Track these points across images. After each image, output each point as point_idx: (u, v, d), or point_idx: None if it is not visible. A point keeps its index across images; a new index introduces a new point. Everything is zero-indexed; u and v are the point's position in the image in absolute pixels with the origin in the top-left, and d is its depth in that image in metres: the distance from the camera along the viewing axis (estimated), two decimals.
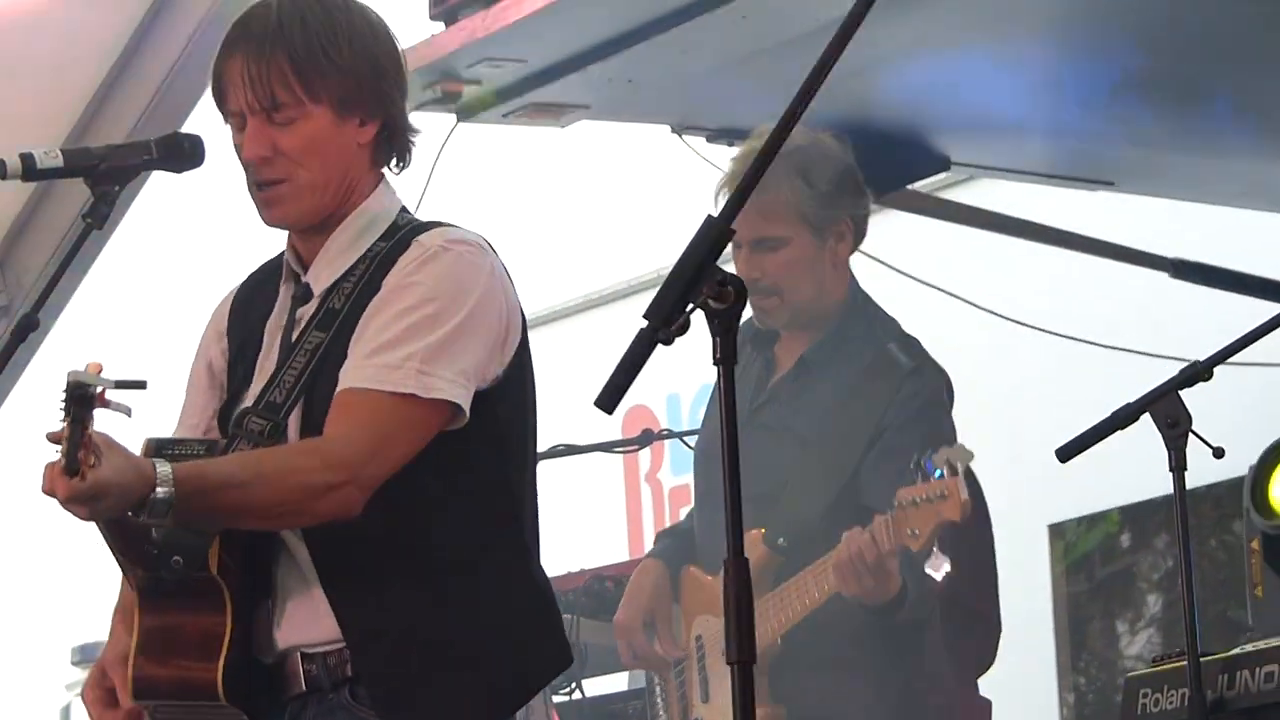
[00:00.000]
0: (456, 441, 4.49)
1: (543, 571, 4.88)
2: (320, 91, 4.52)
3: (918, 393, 7.11)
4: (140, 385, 4.02)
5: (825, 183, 6.56)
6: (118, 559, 4.40)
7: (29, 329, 5.24)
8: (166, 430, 4.74)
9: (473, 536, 4.64)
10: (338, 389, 4.47)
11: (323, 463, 4.40)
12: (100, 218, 4.69)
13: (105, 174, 4.82)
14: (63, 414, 3.84)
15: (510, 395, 4.65)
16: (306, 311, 4.64)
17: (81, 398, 3.77)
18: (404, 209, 5.02)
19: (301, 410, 4.58)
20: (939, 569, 6.41)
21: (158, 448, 4.39)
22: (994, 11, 7.32)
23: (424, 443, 4.48)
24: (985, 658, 7.41)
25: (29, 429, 7.63)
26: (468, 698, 4.56)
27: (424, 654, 4.59)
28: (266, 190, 4.56)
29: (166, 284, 12.84)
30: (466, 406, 4.46)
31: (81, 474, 3.80)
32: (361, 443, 4.45)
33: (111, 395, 3.82)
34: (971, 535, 7.00)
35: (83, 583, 11.38)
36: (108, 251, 9.34)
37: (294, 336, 4.69)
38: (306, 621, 4.50)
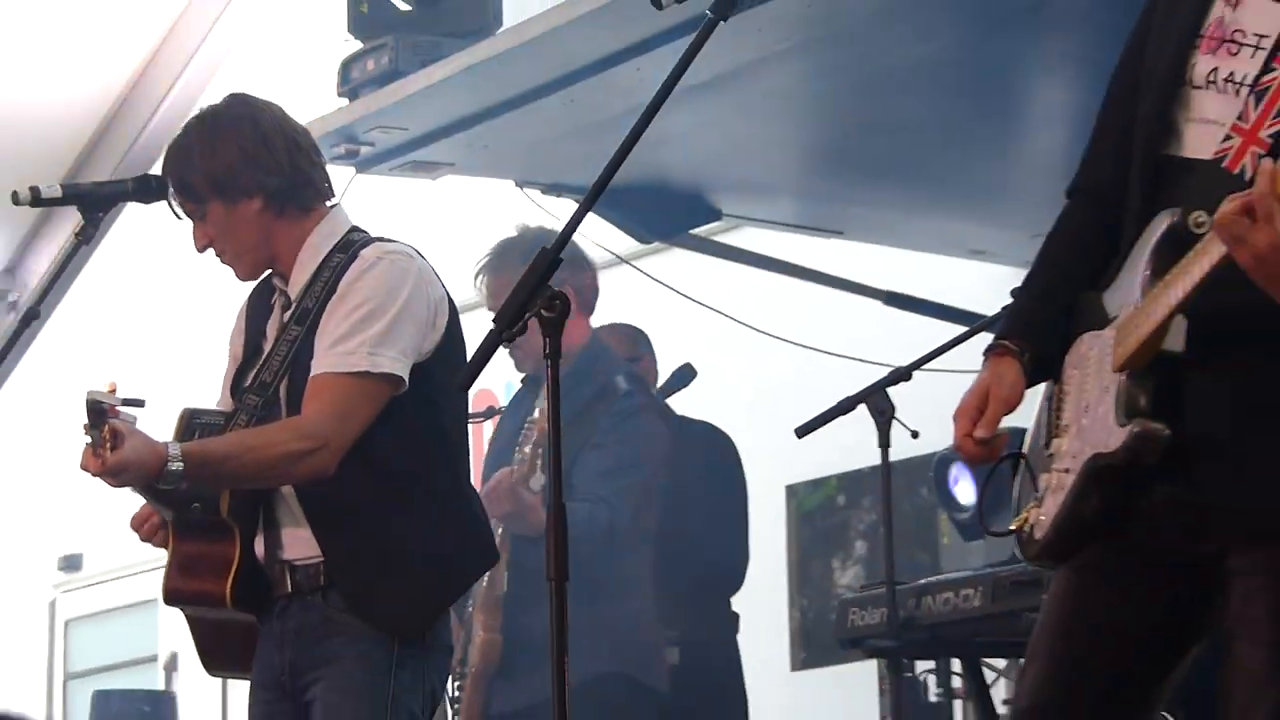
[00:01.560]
0: (400, 403, 5.40)
1: (474, 492, 5.86)
2: (203, 193, 5.49)
3: (629, 408, 8.36)
4: (139, 403, 5.15)
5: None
6: (150, 503, 5.35)
7: (32, 318, 6.80)
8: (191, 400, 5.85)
9: (417, 474, 5.50)
10: (310, 375, 5.44)
11: (299, 435, 5.30)
12: (88, 236, 5.90)
13: (92, 203, 5.98)
14: (86, 421, 4.86)
15: (442, 362, 5.49)
16: (292, 313, 5.60)
17: (98, 411, 4.79)
18: (354, 228, 5.85)
19: (287, 385, 5.56)
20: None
21: (190, 415, 5.57)
22: (753, 103, 8.23)
23: (379, 409, 5.32)
24: (735, 582, 8.85)
25: (31, 396, 8.73)
26: (414, 594, 5.45)
27: (382, 564, 5.44)
28: (223, 261, 5.73)
29: (135, 289, 13.48)
30: (406, 376, 5.31)
31: (103, 458, 4.80)
32: (330, 416, 5.33)
33: (121, 409, 4.92)
34: (728, 493, 8.74)
35: (67, 501, 11.95)
36: (94, 261, 10.34)
37: (280, 329, 5.69)
38: (294, 544, 5.41)
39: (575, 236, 4.42)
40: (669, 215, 9.45)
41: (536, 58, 8.16)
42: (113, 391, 4.95)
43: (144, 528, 5.43)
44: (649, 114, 4.07)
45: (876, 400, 6.65)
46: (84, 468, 4.93)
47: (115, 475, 4.91)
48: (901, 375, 6.69)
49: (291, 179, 5.61)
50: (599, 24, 7.56)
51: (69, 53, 10.79)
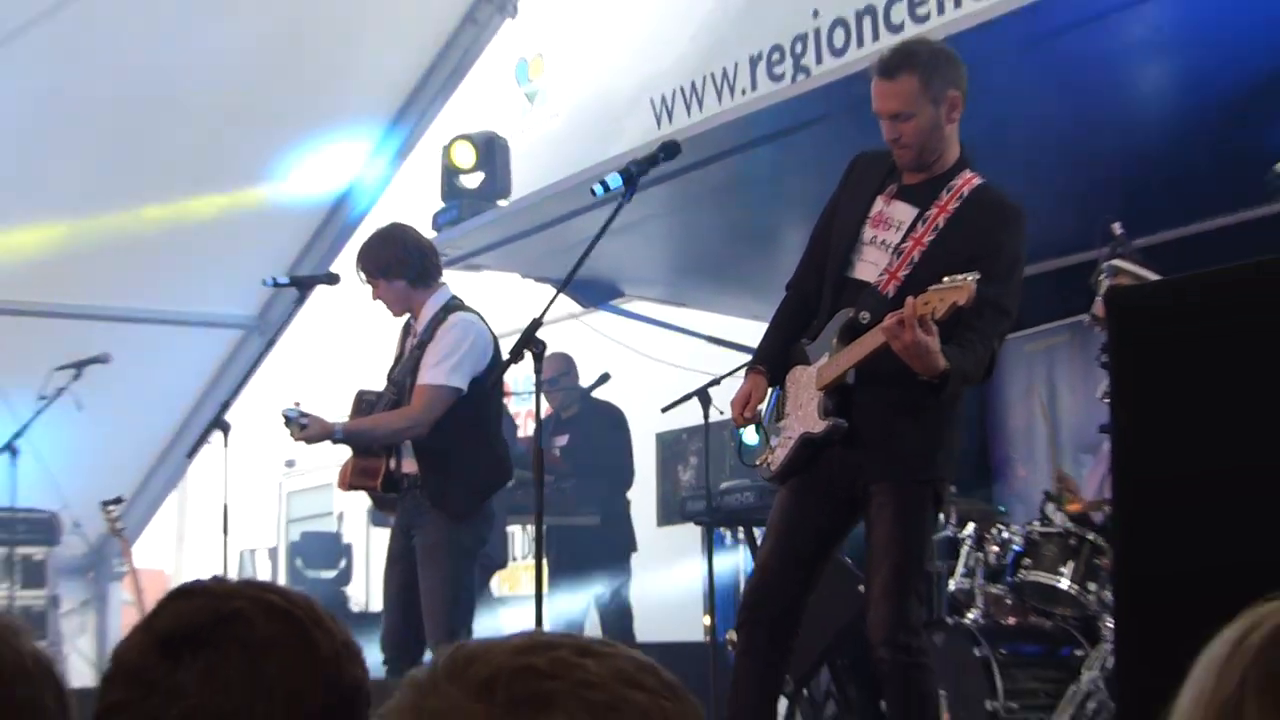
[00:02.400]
0: (461, 401, 6.25)
1: (502, 443, 6.76)
2: (375, 275, 6.46)
3: (616, 420, 9.83)
4: (297, 411, 6.28)
5: None
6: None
7: (271, 345, 9.02)
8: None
9: (468, 433, 6.35)
10: (416, 382, 6.30)
11: (405, 419, 6.32)
12: (300, 300, 7.11)
13: (303, 284, 7.15)
14: (282, 421, 6.35)
15: (485, 374, 6.32)
16: (414, 342, 6.49)
17: (286, 418, 6.31)
18: (454, 297, 6.61)
19: (409, 385, 6.38)
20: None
21: (360, 394, 6.63)
22: (643, 236, 8.45)
23: (449, 404, 6.22)
24: (628, 481, 9.93)
25: (268, 387, 9.75)
26: (463, 496, 6.38)
27: (446, 480, 6.34)
28: (389, 309, 6.55)
29: (330, 327, 12.06)
30: (465, 387, 6.18)
31: (298, 436, 6.31)
32: (422, 409, 6.27)
33: (303, 411, 6.29)
34: (622, 435, 9.92)
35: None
36: (301, 317, 9.55)
37: (408, 351, 6.57)
38: (407, 466, 6.39)
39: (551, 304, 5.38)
40: (597, 292, 10.15)
41: (530, 214, 9.16)
42: (297, 404, 6.39)
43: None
44: (589, 248, 5.22)
45: (702, 394, 7.29)
46: (292, 439, 6.54)
47: (307, 442, 6.55)
48: (714, 381, 7.34)
49: (421, 269, 6.57)
50: (564, 198, 8.38)
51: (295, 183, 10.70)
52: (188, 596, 1.72)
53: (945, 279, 4.32)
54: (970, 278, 4.28)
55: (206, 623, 1.66)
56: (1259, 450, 2.47)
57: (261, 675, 1.63)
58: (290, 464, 14.01)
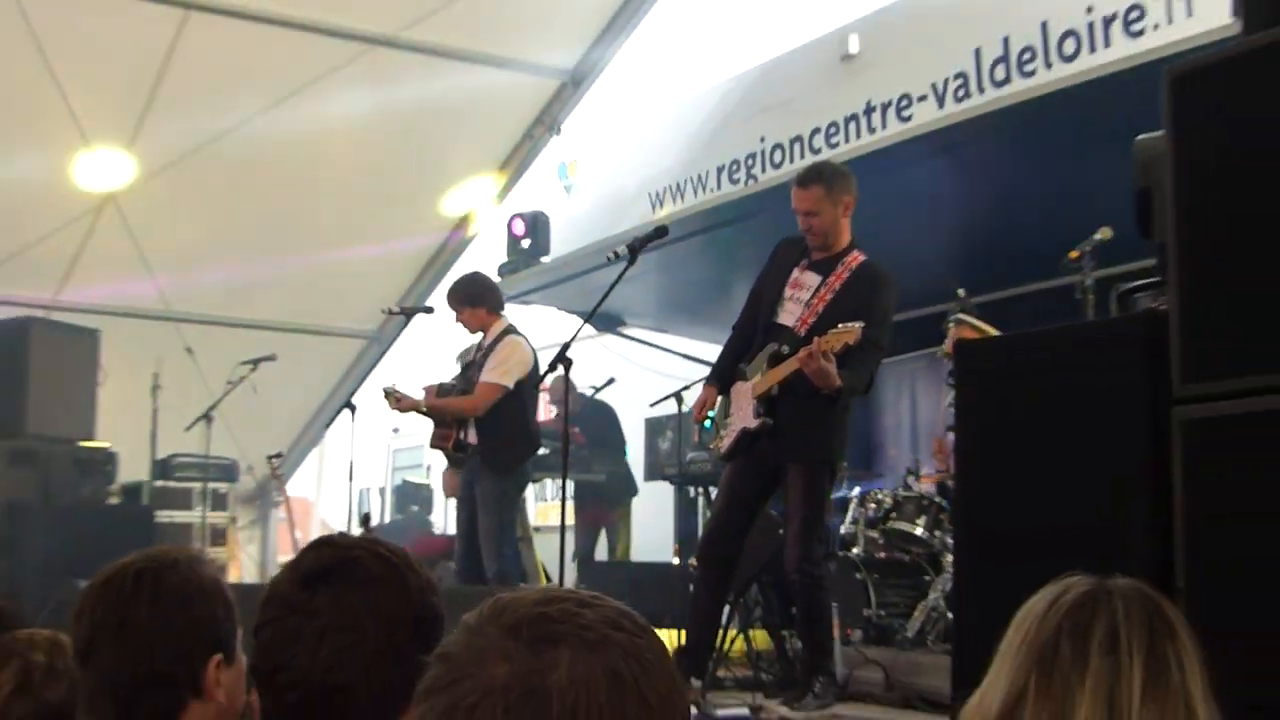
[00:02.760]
0: (508, 395, 6.17)
1: (535, 424, 6.61)
2: (461, 306, 6.40)
3: (608, 412, 9.53)
4: (397, 394, 6.24)
5: None
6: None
7: (384, 353, 8.96)
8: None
9: (512, 417, 6.29)
10: (479, 380, 6.21)
11: (470, 403, 6.21)
12: (406, 323, 7.87)
13: (410, 313, 7.35)
14: (383, 395, 6.35)
15: (527, 378, 6.22)
16: (482, 353, 6.42)
17: (385, 393, 6.37)
18: (511, 324, 6.50)
19: (476, 379, 6.27)
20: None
21: (441, 384, 6.46)
22: (639, 284, 7.61)
23: (500, 396, 6.13)
24: (623, 449, 9.78)
25: (382, 381, 8.61)
26: (507, 459, 6.31)
27: (496, 448, 6.24)
28: (466, 329, 6.47)
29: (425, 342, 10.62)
30: (512, 385, 6.10)
31: (392, 406, 6.30)
32: (481, 397, 6.20)
33: (399, 395, 6.33)
34: (614, 423, 9.62)
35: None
36: (405, 335, 10.67)
37: (477, 358, 6.46)
38: (470, 435, 6.28)
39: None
40: (608, 321, 9.98)
41: (564, 267, 9.28)
42: (394, 385, 6.46)
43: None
44: (605, 294, 5.23)
45: (677, 395, 6.81)
46: (390, 409, 6.54)
47: (400, 411, 6.54)
48: (686, 387, 6.81)
49: (494, 301, 6.58)
50: (587, 258, 8.58)
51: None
52: (322, 546, 1.72)
53: (840, 325, 4.45)
54: (857, 325, 4.41)
55: (334, 565, 1.66)
56: (1053, 453, 2.44)
57: (370, 603, 1.63)
58: (395, 430, 13.80)
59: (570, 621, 1.01)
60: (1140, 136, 2.61)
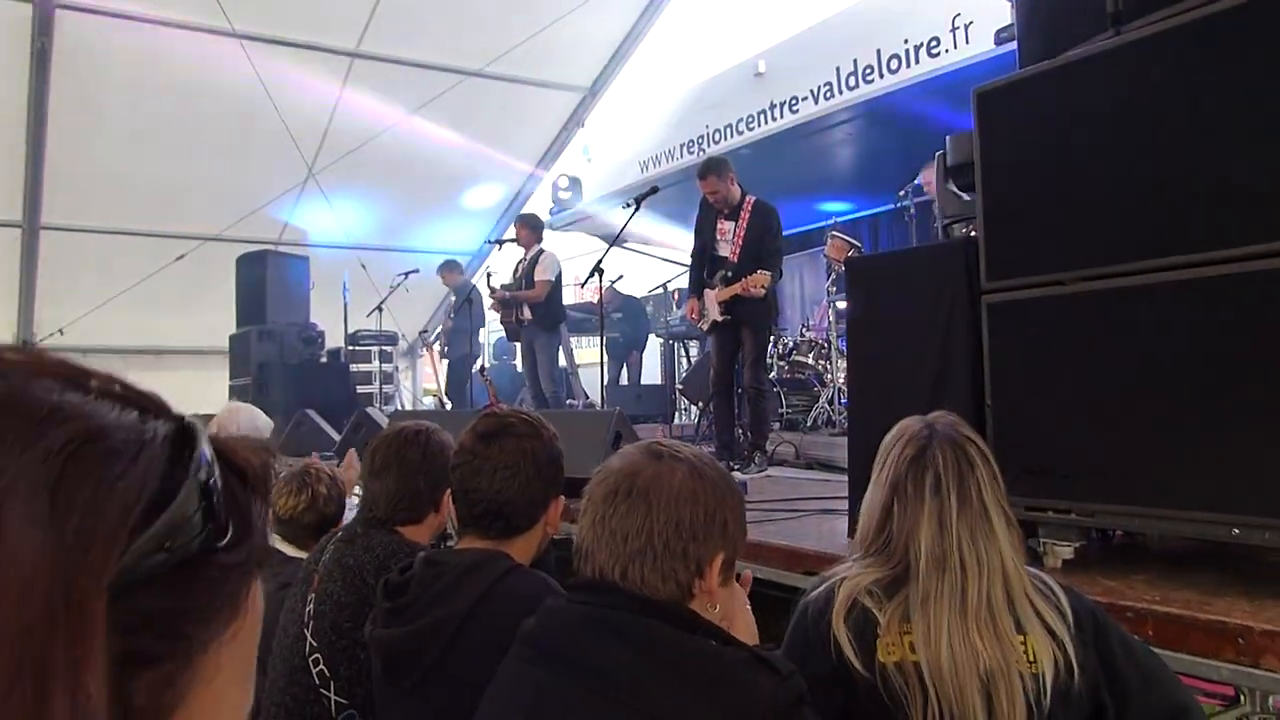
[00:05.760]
0: (550, 285, 5.69)
1: (561, 303, 6.08)
2: (525, 230, 5.85)
3: (635, 304, 8.54)
4: (484, 372, 5.90)
5: None
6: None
7: (481, 263, 7.93)
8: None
9: (552, 302, 5.79)
10: (535, 278, 5.68)
11: (529, 295, 5.61)
12: (494, 245, 6.80)
13: (500, 243, 6.78)
14: (487, 287, 6.05)
15: (557, 280, 5.78)
16: (528, 263, 5.88)
17: (492, 290, 5.89)
18: (542, 248, 6.07)
19: (527, 279, 5.79)
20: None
21: (503, 284, 6.01)
22: (636, 217, 7.43)
23: (547, 290, 5.58)
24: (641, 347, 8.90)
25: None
26: (552, 322, 5.81)
27: (545, 317, 5.70)
28: (522, 247, 5.92)
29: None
30: (552, 281, 5.56)
31: (493, 295, 5.82)
32: (541, 290, 5.66)
33: (491, 288, 6.02)
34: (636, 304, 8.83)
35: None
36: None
37: (524, 266, 5.90)
38: (527, 313, 5.77)
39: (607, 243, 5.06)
40: (618, 240, 8.30)
41: (589, 210, 9.02)
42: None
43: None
44: (622, 228, 5.01)
45: (664, 287, 7.33)
46: (490, 297, 6.10)
47: (493, 298, 6.10)
48: (667, 282, 7.36)
49: (541, 230, 6.28)
50: (606, 204, 8.42)
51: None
52: (490, 416, 1.64)
53: (759, 271, 4.33)
54: (762, 272, 4.32)
55: (499, 428, 1.60)
56: (909, 327, 2.41)
57: (524, 451, 1.59)
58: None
59: (673, 454, 1.12)
60: (950, 135, 2.63)
